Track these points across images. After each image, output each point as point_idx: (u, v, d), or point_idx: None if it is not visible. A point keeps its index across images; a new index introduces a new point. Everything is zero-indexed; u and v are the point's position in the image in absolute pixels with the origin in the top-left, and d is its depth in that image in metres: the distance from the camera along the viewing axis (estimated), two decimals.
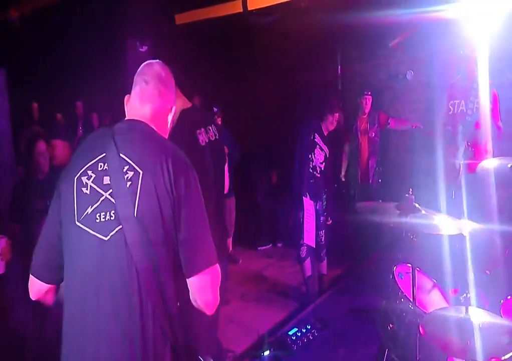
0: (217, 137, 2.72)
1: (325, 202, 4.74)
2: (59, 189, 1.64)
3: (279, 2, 3.84)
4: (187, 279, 1.57)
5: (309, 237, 4.34)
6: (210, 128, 2.70)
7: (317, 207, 4.69)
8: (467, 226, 2.76)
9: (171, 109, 1.82)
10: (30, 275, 1.67)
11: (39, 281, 1.66)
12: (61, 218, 1.60)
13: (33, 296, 1.69)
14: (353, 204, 3.06)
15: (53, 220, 1.64)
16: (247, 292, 5.23)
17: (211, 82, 7.06)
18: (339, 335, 4.00)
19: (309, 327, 4.04)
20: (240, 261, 6.14)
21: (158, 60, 1.86)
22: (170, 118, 1.82)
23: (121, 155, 1.56)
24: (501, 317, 2.51)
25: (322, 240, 4.85)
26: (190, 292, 1.59)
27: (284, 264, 6.01)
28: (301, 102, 5.97)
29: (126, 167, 1.55)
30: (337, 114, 4.81)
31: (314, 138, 4.77)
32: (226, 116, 5.90)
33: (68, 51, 6.44)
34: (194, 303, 1.62)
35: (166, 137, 1.80)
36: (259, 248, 6.76)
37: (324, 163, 4.79)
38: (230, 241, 6.19)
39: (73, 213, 1.56)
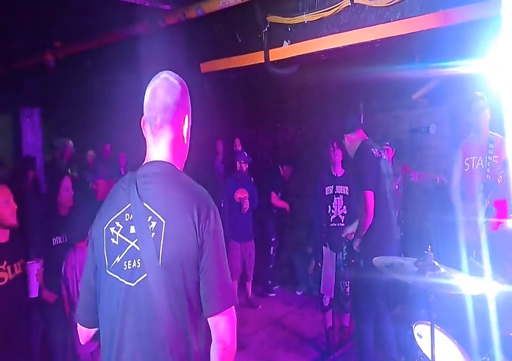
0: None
1: (345, 253, 4.67)
2: (92, 237, 1.71)
3: (300, 54, 3.94)
4: (209, 318, 1.60)
5: (327, 288, 4.28)
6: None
7: (338, 258, 4.56)
8: (489, 286, 2.70)
9: (186, 122, 1.79)
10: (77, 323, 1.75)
11: (84, 327, 1.73)
12: (96, 264, 1.67)
13: (82, 340, 1.77)
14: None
15: (89, 266, 1.71)
16: (265, 338, 5.17)
17: (233, 128, 7.23)
18: None
19: None
20: (260, 307, 6.10)
21: (163, 76, 1.75)
22: (185, 132, 1.79)
23: (144, 204, 1.61)
24: None
25: (347, 291, 4.72)
26: (212, 331, 1.62)
27: (303, 312, 5.94)
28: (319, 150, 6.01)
29: (150, 217, 1.59)
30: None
31: (326, 192, 4.90)
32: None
33: (98, 93, 6.70)
34: (213, 345, 1.63)
35: (186, 151, 1.81)
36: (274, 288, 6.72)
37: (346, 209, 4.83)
38: (249, 285, 6.18)
39: (104, 262, 1.63)
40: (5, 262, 2.88)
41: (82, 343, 1.78)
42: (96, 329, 1.73)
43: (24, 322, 3.08)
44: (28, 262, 3.04)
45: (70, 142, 6.68)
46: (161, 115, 1.71)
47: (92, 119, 7.43)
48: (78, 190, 4.09)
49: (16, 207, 3.02)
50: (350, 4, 3.44)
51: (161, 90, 1.71)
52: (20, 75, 6.30)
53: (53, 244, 3.62)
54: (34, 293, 3.05)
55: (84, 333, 1.75)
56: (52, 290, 3.44)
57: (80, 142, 7.12)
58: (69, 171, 6.19)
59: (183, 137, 1.79)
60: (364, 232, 3.90)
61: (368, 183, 3.85)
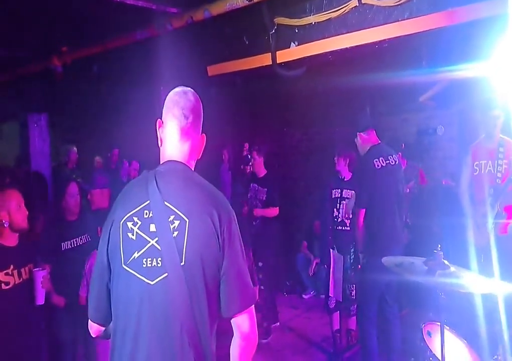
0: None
1: (353, 256, 4.65)
2: (105, 231, 1.69)
3: (307, 55, 3.94)
4: (232, 318, 1.64)
5: (335, 291, 4.26)
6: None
7: (345, 260, 4.52)
8: (499, 286, 2.69)
9: (203, 137, 1.86)
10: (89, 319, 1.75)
11: (95, 324, 1.73)
12: (110, 259, 1.66)
13: (93, 334, 1.77)
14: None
15: (102, 261, 1.69)
16: (271, 342, 5.14)
17: (240, 132, 7.22)
18: None
19: None
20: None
21: (188, 89, 1.83)
22: (203, 144, 1.86)
23: (166, 203, 1.61)
24: None
25: (353, 294, 4.70)
26: (235, 330, 1.67)
27: (310, 316, 5.91)
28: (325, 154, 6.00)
29: (172, 216, 1.60)
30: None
31: (332, 195, 4.89)
32: None
33: (105, 98, 6.72)
34: (237, 342, 1.67)
35: (198, 159, 1.85)
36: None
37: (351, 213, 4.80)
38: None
39: (120, 256, 1.62)
40: (11, 267, 2.86)
41: (94, 336, 1.77)
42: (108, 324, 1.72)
43: (32, 327, 3.05)
44: (34, 269, 3.02)
45: (75, 148, 6.70)
46: (193, 115, 1.76)
47: (100, 124, 7.45)
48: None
49: (27, 212, 3.02)
50: (358, 5, 3.43)
51: (192, 96, 1.79)
52: (27, 80, 6.32)
53: (63, 249, 3.62)
54: (40, 301, 3.03)
55: (95, 328, 1.75)
56: (63, 294, 3.43)
57: (87, 147, 7.13)
58: (74, 176, 6.20)
59: (201, 147, 1.85)
60: (360, 246, 4.11)
61: (362, 201, 4.01)
